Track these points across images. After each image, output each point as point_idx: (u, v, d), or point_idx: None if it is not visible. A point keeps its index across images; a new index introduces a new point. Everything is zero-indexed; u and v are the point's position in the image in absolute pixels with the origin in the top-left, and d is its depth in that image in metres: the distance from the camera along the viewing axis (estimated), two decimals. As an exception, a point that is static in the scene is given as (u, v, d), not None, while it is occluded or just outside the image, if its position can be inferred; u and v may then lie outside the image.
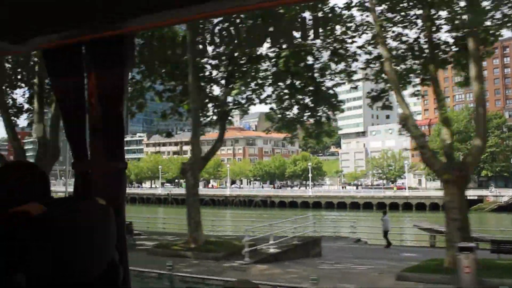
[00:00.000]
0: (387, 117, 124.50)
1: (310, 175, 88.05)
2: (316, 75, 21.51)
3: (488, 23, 16.48)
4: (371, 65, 20.62)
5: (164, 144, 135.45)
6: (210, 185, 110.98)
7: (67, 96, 2.14)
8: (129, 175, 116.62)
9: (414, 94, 21.86)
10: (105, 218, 1.76)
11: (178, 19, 1.68)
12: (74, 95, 2.12)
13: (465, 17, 16.80)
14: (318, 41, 19.50)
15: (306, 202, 76.33)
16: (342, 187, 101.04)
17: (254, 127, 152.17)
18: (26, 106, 25.76)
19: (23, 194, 1.62)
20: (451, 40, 18.59)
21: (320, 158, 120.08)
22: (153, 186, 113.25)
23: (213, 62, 21.45)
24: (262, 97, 22.62)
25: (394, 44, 19.16)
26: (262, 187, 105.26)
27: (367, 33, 19.77)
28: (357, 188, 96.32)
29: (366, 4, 18.47)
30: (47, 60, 2.12)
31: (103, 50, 1.97)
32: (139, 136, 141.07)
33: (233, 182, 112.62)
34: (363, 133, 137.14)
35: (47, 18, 1.64)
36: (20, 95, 28.27)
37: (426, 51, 18.28)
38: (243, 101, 22.92)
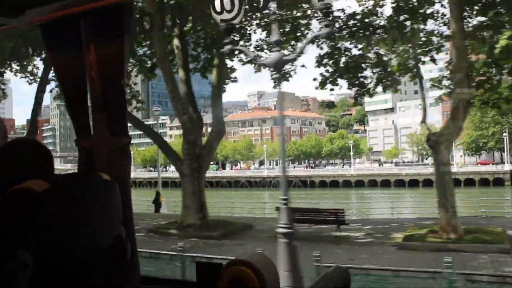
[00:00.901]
0: (415, 92, 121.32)
1: (351, 153, 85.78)
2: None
3: None
4: None
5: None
6: (237, 167, 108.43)
7: (67, 71, 2.14)
8: (150, 158, 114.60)
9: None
10: (109, 193, 1.77)
11: None
12: (74, 70, 2.11)
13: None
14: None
15: (348, 181, 74.68)
16: (379, 165, 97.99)
17: (273, 107, 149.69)
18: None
19: (27, 172, 1.63)
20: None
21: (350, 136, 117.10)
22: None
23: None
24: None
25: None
26: (294, 167, 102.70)
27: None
28: (396, 165, 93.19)
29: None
30: (45, 34, 2.12)
31: (100, 20, 1.96)
32: (162, 119, 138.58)
33: (261, 163, 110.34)
34: (391, 110, 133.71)
35: None
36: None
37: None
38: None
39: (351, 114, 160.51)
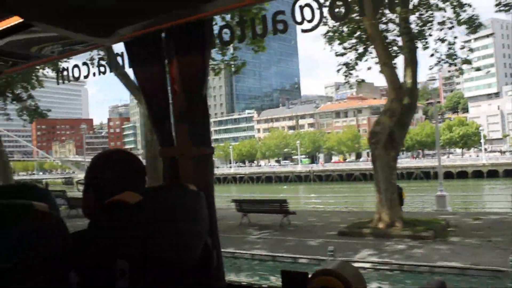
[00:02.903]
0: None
1: (482, 140, 78.75)
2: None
3: None
4: None
5: (277, 120, 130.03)
6: (333, 160, 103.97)
7: (150, 84, 2.29)
8: (247, 153, 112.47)
9: None
10: (197, 204, 1.87)
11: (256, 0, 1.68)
12: (156, 83, 2.27)
13: None
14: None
15: (479, 172, 67.83)
16: (501, 153, 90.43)
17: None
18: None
19: (123, 184, 1.79)
20: None
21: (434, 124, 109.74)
22: (266, 164, 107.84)
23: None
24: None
25: None
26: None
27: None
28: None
29: None
30: (128, 50, 2.29)
31: (183, 36, 2.12)
32: (248, 113, 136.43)
33: (357, 156, 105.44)
34: (496, 94, 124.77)
35: (130, 10, 1.78)
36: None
37: None
38: None
39: (439, 102, 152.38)
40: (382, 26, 17.98)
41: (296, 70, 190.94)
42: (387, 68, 16.48)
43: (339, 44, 19.53)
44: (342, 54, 19.84)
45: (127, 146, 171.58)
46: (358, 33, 18.85)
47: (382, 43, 16.79)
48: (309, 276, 1.64)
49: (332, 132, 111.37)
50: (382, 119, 16.73)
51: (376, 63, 17.83)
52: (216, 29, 2.23)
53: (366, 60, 19.45)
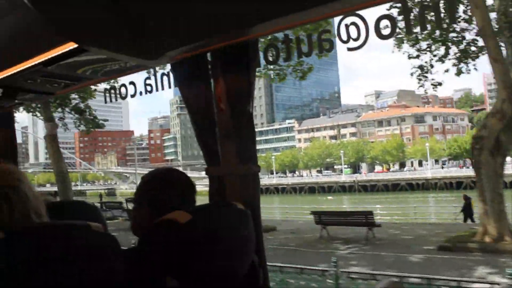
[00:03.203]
0: None
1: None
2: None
3: None
4: None
5: (318, 129, 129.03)
6: (376, 170, 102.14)
7: (196, 103, 2.35)
8: (289, 163, 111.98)
9: None
10: (245, 223, 1.91)
11: (302, 21, 1.76)
12: (202, 102, 2.32)
13: None
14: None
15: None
16: None
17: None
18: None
19: (175, 202, 1.84)
20: None
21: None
22: (307, 174, 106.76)
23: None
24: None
25: None
26: (442, 167, 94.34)
27: None
28: None
29: None
30: (175, 71, 2.41)
31: (229, 56, 2.16)
32: (289, 123, 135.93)
33: (401, 165, 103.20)
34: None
35: (180, 34, 1.85)
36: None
37: None
38: None
39: (484, 109, 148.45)
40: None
41: (335, 78, 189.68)
42: (498, 64, 15.34)
43: (412, 46, 18.75)
44: (417, 56, 19.04)
45: (168, 158, 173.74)
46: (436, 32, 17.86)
47: (494, 37, 15.61)
48: None
49: (376, 141, 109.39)
50: (489, 122, 15.62)
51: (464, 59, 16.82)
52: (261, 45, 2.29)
53: (443, 62, 18.49)
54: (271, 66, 19.22)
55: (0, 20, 2.03)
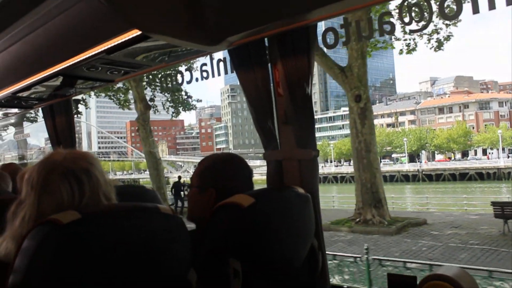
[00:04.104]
0: None
1: None
2: None
3: None
4: None
5: (374, 117, 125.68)
6: (436, 159, 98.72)
7: (254, 88, 2.35)
8: (347, 152, 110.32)
9: None
10: (305, 207, 1.95)
11: (362, 4, 1.80)
12: (260, 87, 2.33)
13: None
14: None
15: None
16: None
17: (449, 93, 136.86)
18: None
19: (235, 186, 1.87)
20: None
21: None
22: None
23: None
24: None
25: None
26: (508, 156, 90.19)
27: None
28: None
29: None
30: (232, 56, 2.41)
31: (287, 41, 2.18)
32: (344, 111, 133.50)
33: (463, 155, 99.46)
34: None
35: (241, 20, 1.88)
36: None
37: None
38: None
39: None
40: None
41: (390, 65, 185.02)
42: None
43: None
44: None
45: (219, 146, 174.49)
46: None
47: None
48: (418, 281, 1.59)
49: (440, 128, 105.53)
50: None
51: None
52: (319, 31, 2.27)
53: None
54: (399, 37, 17.72)
55: (66, 11, 2.11)
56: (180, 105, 25.04)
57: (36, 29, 2.39)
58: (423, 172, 77.98)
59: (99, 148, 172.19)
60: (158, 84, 23.07)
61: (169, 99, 24.58)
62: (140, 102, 21.74)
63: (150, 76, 21.34)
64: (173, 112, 26.08)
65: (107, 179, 1.51)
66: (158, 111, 26.07)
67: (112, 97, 25.06)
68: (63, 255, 1.17)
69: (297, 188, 1.99)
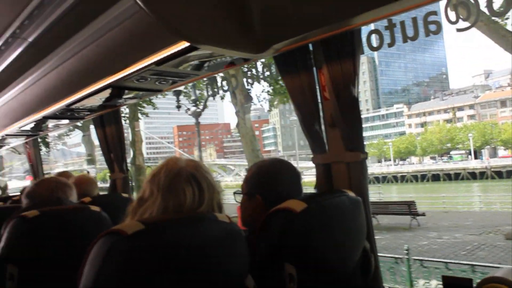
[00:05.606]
0: None
1: None
2: None
3: None
4: None
5: (430, 113, 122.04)
6: (500, 155, 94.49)
7: (300, 92, 2.40)
8: (404, 150, 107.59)
9: None
10: (356, 210, 1.96)
11: (406, 7, 1.76)
12: (306, 91, 2.38)
13: None
14: None
15: None
16: None
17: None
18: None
19: (286, 191, 1.92)
20: None
21: None
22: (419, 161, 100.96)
23: None
24: None
25: None
26: None
27: None
28: None
29: None
30: (278, 62, 2.48)
31: (332, 45, 2.22)
32: (397, 108, 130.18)
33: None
34: None
35: (287, 27, 1.90)
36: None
37: None
38: None
39: None
40: None
41: (443, 59, 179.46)
42: None
43: None
44: None
45: (267, 148, 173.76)
46: None
47: None
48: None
49: (506, 122, 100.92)
50: None
51: None
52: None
53: None
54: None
55: (117, 27, 2.23)
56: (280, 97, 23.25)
57: (89, 45, 2.51)
58: (492, 169, 74.57)
59: (147, 153, 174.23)
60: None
61: (267, 90, 22.74)
62: (240, 93, 20.02)
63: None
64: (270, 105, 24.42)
65: (220, 190, 1.63)
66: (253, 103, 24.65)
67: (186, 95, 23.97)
68: (128, 265, 1.25)
69: (348, 192, 2.00)
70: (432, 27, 1.87)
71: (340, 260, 1.81)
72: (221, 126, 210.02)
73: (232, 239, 1.49)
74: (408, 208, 17.52)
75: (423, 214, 17.66)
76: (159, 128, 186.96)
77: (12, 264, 1.97)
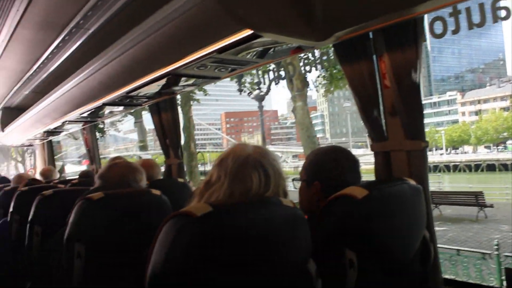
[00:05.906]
0: None
1: None
2: None
3: None
4: None
5: (485, 101, 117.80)
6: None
7: (360, 80, 2.39)
8: (458, 139, 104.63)
9: None
10: (417, 199, 1.96)
11: None
12: (366, 78, 2.37)
13: None
14: None
15: None
16: None
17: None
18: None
19: (344, 177, 1.97)
20: None
21: None
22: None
23: None
24: None
25: None
26: None
27: None
28: None
29: None
30: (337, 50, 2.47)
31: (394, 33, 2.21)
32: (450, 95, 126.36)
33: None
34: None
35: (349, 14, 1.86)
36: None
37: None
38: None
39: None
40: None
41: (500, 44, 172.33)
42: None
43: None
44: None
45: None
46: None
47: None
48: None
49: None
50: None
51: None
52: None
53: None
54: None
55: (180, 16, 2.23)
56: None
57: (151, 34, 2.53)
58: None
59: (197, 140, 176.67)
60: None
61: (323, 75, 22.24)
62: (297, 78, 19.84)
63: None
64: (325, 90, 24.03)
65: (285, 177, 1.67)
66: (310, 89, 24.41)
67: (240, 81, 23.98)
68: (197, 246, 1.28)
69: (408, 180, 1.97)
70: (501, 13, 1.81)
71: (401, 248, 1.81)
72: (270, 113, 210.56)
73: (297, 223, 1.52)
74: (475, 199, 16.81)
75: (491, 206, 16.92)
76: (207, 114, 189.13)
77: (79, 243, 2.04)
